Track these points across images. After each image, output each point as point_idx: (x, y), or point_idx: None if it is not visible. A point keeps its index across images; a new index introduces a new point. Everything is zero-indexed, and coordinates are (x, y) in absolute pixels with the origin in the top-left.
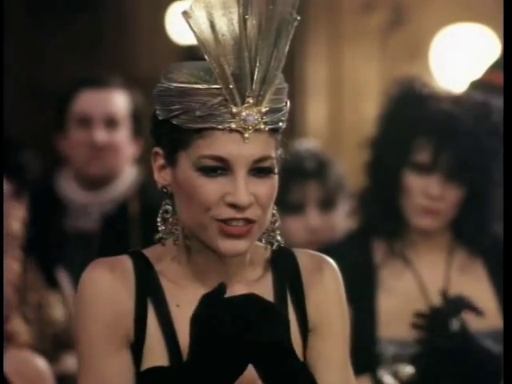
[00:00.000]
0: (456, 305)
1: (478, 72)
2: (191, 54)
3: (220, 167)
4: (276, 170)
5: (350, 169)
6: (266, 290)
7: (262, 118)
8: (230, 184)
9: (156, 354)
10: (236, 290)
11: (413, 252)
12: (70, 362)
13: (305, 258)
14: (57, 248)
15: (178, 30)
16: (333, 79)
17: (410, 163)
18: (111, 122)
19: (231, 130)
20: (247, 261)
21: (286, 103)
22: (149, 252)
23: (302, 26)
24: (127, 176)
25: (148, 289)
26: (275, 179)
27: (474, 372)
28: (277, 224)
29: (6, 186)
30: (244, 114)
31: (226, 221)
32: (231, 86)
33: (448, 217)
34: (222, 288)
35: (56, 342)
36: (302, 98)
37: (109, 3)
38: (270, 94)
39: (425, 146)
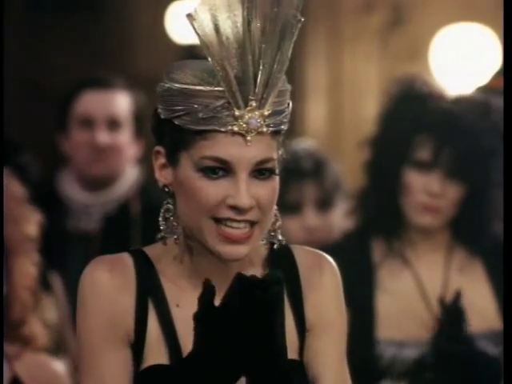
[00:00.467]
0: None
1: (477, 72)
2: (191, 53)
3: (221, 169)
4: (277, 171)
5: (349, 168)
6: None
7: (264, 121)
8: (231, 186)
9: (156, 354)
10: None
11: (412, 251)
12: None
13: (303, 255)
14: (55, 249)
15: (178, 30)
16: (332, 79)
17: (410, 160)
18: (113, 124)
19: (233, 133)
20: (247, 261)
21: (289, 104)
22: (149, 250)
23: (301, 25)
24: (129, 176)
25: (148, 288)
26: (276, 180)
27: (475, 375)
28: (278, 223)
29: (20, 190)
30: (247, 117)
31: (225, 222)
32: (234, 89)
33: (448, 215)
34: (209, 288)
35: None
36: (302, 97)
37: (109, 3)
38: (272, 97)
39: (425, 143)
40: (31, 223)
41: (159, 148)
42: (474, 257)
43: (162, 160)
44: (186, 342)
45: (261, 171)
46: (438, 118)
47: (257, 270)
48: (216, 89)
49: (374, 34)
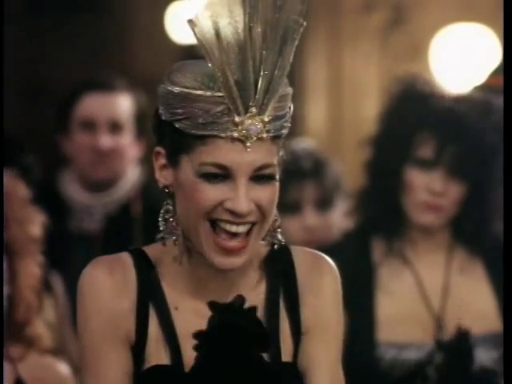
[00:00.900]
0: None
1: (477, 72)
2: (191, 53)
3: (221, 174)
4: (277, 177)
5: (349, 168)
6: (260, 297)
7: (264, 127)
8: (230, 190)
9: (156, 356)
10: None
11: (412, 251)
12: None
13: (302, 256)
14: (57, 249)
15: (178, 30)
16: (332, 79)
17: (412, 159)
18: (115, 126)
19: (233, 139)
20: (246, 264)
21: (290, 108)
22: (149, 250)
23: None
24: (130, 177)
25: (148, 289)
26: (276, 186)
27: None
28: (277, 223)
29: (25, 191)
30: (247, 123)
31: (223, 224)
32: (235, 95)
33: (449, 214)
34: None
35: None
36: (302, 97)
37: (109, 3)
38: (273, 103)
39: (427, 141)
40: (35, 224)
41: (160, 149)
42: (475, 257)
43: (162, 161)
44: (186, 344)
45: (261, 176)
46: (440, 116)
47: (255, 273)
48: (216, 94)
49: (374, 34)
